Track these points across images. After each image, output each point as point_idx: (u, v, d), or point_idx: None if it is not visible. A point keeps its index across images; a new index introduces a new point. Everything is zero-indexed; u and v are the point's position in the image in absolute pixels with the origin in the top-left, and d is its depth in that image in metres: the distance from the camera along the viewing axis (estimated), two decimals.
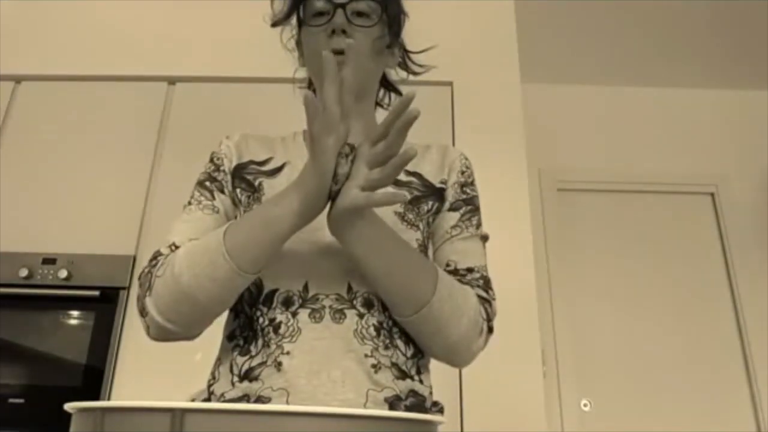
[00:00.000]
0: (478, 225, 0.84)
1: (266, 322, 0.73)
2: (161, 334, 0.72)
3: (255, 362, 0.71)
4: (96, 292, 1.70)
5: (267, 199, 0.70)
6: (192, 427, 0.39)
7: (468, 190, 0.86)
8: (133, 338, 1.68)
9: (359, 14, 0.83)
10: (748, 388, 2.52)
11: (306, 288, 0.73)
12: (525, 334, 1.67)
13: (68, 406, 0.46)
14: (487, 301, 0.77)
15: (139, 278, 0.74)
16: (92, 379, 1.64)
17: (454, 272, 0.79)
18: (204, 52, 2.07)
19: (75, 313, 1.72)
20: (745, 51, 2.74)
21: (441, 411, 0.78)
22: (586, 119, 2.97)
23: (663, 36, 2.66)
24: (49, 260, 1.75)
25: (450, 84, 1.99)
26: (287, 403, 0.68)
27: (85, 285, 1.72)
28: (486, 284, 0.80)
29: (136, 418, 0.40)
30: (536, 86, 2.92)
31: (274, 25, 0.89)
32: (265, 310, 0.73)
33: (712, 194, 2.84)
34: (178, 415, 0.39)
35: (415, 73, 0.95)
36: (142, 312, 0.72)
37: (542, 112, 2.92)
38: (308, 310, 0.72)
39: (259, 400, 0.69)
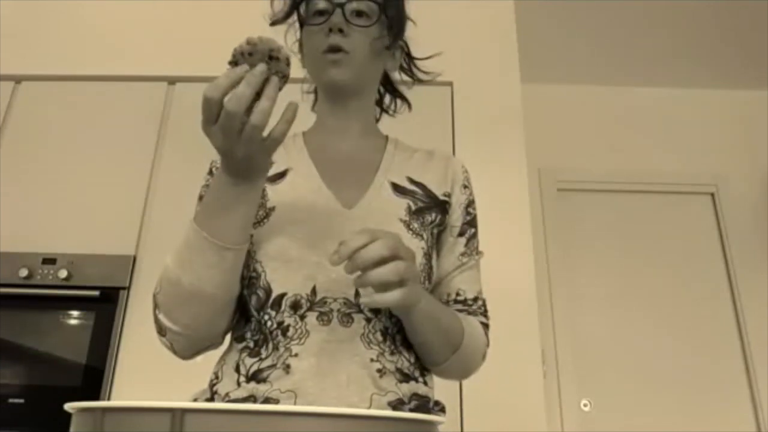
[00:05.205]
0: (477, 246, 0.89)
1: (275, 326, 0.73)
2: (186, 346, 0.74)
3: (264, 364, 0.71)
4: (96, 292, 1.70)
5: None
6: (192, 427, 0.39)
7: (471, 210, 0.89)
8: (133, 338, 1.68)
9: (359, 14, 0.83)
10: (748, 388, 2.52)
11: (314, 291, 0.73)
12: (525, 334, 1.67)
13: (68, 406, 0.46)
14: (486, 327, 0.85)
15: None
16: (92, 379, 1.63)
17: (464, 302, 0.84)
18: (204, 52, 2.07)
19: (75, 313, 1.72)
20: (746, 51, 2.74)
21: (443, 410, 0.79)
22: (586, 119, 2.97)
23: (663, 36, 2.66)
24: (49, 260, 1.75)
25: (450, 84, 1.99)
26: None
27: (85, 285, 1.72)
28: (485, 309, 0.87)
29: (136, 418, 0.40)
30: (536, 86, 2.92)
31: (273, 24, 0.88)
32: (273, 313, 0.73)
33: (712, 194, 2.84)
34: (178, 415, 0.39)
35: (419, 80, 0.96)
36: (161, 331, 0.73)
37: (542, 112, 2.92)
38: (316, 313, 0.72)
39: (267, 401, 0.69)
